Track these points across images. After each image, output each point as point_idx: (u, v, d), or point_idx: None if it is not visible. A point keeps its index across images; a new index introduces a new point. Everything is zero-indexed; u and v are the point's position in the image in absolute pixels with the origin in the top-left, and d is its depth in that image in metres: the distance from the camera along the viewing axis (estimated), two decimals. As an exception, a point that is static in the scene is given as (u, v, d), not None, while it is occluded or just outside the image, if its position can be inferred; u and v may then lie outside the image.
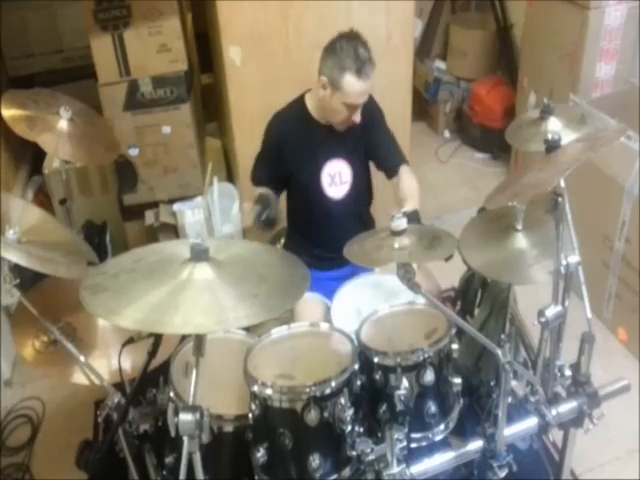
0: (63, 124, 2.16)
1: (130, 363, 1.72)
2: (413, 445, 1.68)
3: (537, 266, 1.76)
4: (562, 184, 1.53)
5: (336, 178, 2.22)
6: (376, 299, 2.01)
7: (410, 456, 1.66)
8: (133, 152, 3.08)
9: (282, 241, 2.42)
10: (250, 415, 1.59)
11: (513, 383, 1.70)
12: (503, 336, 1.65)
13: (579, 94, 3.03)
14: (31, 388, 2.69)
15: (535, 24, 3.36)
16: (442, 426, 1.71)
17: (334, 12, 2.70)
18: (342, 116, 2.08)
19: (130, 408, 1.70)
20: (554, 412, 1.72)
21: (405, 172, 2.22)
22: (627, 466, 2.28)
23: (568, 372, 1.76)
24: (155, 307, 1.21)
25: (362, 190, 2.31)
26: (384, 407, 1.68)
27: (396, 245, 1.58)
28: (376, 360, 1.67)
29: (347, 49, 1.98)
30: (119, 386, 1.69)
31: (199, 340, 1.30)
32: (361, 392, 1.65)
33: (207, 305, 1.23)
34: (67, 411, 2.58)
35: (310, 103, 2.18)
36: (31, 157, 3.44)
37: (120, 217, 3.27)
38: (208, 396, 1.38)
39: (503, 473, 1.71)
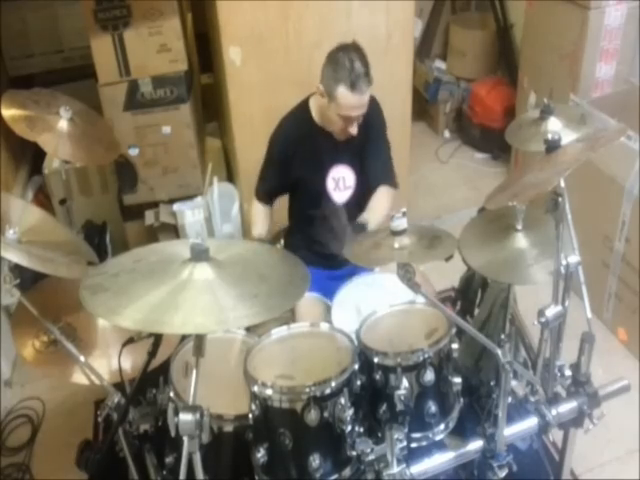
0: (63, 124, 2.16)
1: (130, 363, 1.72)
2: (413, 445, 1.68)
3: (537, 266, 1.75)
4: (562, 184, 1.52)
5: (340, 183, 2.23)
6: (376, 299, 2.01)
7: (410, 456, 1.65)
8: (133, 152, 3.08)
9: (282, 241, 2.42)
10: (250, 415, 1.59)
11: (513, 383, 1.69)
12: (503, 336, 1.65)
13: (579, 94, 3.02)
14: (31, 388, 2.69)
15: (535, 24, 3.36)
16: (442, 426, 1.71)
17: (334, 12, 2.71)
18: (338, 126, 2.09)
19: (130, 408, 1.70)
20: (554, 412, 1.72)
21: (382, 192, 2.23)
22: (627, 466, 2.28)
23: (568, 372, 1.76)
24: (155, 307, 1.22)
25: (364, 195, 2.31)
26: (384, 407, 1.68)
27: (396, 245, 1.58)
28: (376, 360, 1.67)
29: (344, 61, 1.97)
30: (119, 386, 1.69)
31: (199, 340, 1.30)
32: (361, 392, 1.65)
33: (207, 305, 1.23)
34: (67, 411, 2.58)
35: (314, 108, 2.18)
36: (31, 157, 3.45)
37: (120, 217, 3.27)
38: (208, 396, 1.38)
39: (503, 473, 1.71)
